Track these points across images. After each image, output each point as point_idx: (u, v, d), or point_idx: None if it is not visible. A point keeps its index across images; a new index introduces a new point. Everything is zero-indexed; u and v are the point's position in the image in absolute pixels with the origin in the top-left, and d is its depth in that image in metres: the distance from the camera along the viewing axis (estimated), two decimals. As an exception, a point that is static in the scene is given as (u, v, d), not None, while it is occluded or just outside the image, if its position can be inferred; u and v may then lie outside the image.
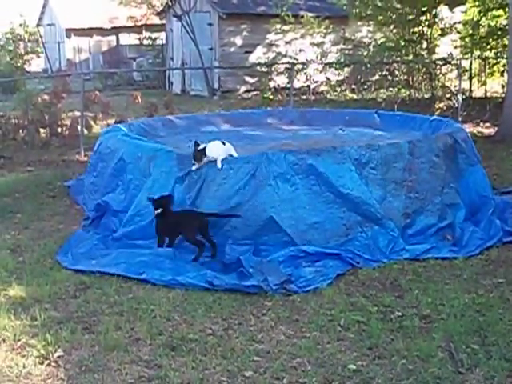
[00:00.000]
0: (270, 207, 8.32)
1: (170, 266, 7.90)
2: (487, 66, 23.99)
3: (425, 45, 24.49)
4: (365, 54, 26.55)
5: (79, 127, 16.86)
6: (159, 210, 8.49)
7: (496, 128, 17.79)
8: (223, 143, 8.83)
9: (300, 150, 8.84)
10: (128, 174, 9.46)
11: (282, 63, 27.36)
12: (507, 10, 19.41)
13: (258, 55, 29.17)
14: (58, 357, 5.89)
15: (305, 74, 26.78)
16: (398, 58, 24.28)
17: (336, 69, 27.21)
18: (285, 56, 28.32)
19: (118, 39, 44.36)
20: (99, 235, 9.13)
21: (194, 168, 8.69)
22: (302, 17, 28.03)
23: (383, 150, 8.86)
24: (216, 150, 8.69)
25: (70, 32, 43.76)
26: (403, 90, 24.05)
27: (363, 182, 8.59)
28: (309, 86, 26.66)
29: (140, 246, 8.65)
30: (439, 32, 24.68)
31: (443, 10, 24.55)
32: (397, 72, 24.46)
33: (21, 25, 41.33)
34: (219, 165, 8.57)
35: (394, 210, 8.70)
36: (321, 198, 8.46)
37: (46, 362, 5.81)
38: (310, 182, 8.48)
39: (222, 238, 8.38)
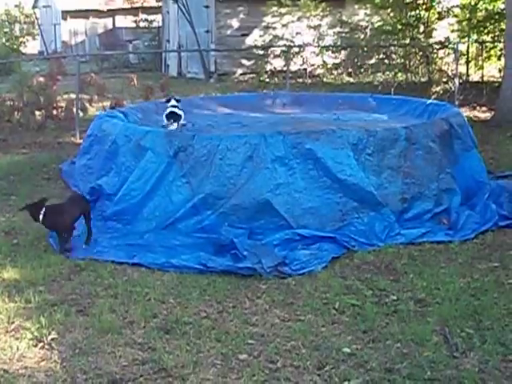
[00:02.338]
0: (267, 191, 8.30)
1: (163, 249, 7.89)
2: (484, 50, 23.94)
3: (422, 28, 24.44)
4: (362, 37, 26.49)
5: (75, 109, 16.80)
6: (42, 213, 8.10)
7: (492, 112, 17.77)
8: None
9: (299, 132, 8.79)
10: (120, 157, 9.43)
11: (279, 46, 27.32)
12: (505, -7, 19.35)
13: (255, 38, 29.10)
14: (52, 339, 5.88)
15: (301, 57, 26.72)
16: (395, 42, 24.25)
17: (333, 52, 27.14)
18: (281, 39, 28.26)
19: (114, 21, 44.34)
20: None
21: (172, 128, 8.64)
22: (299, -1, 27.97)
23: (380, 135, 8.83)
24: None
25: (66, 14, 43.72)
26: (400, 74, 24.00)
27: (361, 168, 8.57)
28: (305, 69, 26.60)
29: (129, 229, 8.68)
30: (436, 16, 24.63)
31: (441, -7, 24.50)
32: (394, 56, 24.41)
33: (16, 6, 41.25)
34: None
35: (390, 195, 8.68)
36: (318, 183, 8.45)
37: (40, 345, 5.80)
38: (307, 167, 8.46)
39: (218, 219, 8.37)
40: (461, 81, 20.83)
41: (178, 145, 8.74)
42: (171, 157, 8.74)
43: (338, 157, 8.47)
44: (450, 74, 21.84)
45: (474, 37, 24.58)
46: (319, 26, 28.23)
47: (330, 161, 8.43)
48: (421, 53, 23.82)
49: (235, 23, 29.30)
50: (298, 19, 28.79)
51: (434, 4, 24.39)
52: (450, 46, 22.47)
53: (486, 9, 24.74)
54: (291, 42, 27.57)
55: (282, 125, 10.57)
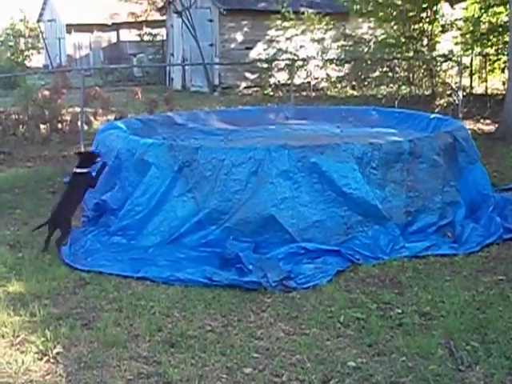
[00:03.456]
0: (271, 205, 8.31)
1: (168, 263, 7.90)
2: (488, 63, 24.00)
3: (425, 41, 24.50)
4: (365, 50, 26.54)
5: (79, 123, 16.83)
6: None
7: (496, 125, 17.77)
8: None
9: (304, 146, 8.80)
10: (124, 172, 9.43)
11: (283, 59, 27.39)
12: (508, 6, 19.40)
13: (259, 51, 29.20)
14: (57, 353, 5.88)
15: (305, 70, 26.75)
16: (399, 55, 24.30)
17: (336, 65, 27.18)
18: (285, 52, 28.36)
19: (118, 35, 44.44)
20: (96, 234, 9.08)
21: None
22: (303, 13, 28.03)
23: (384, 148, 8.84)
24: None
25: (70, 28, 43.86)
26: (404, 87, 24.05)
27: (365, 181, 8.57)
28: (309, 83, 26.65)
29: (133, 244, 8.70)
30: (440, 29, 24.70)
31: (444, 6, 24.56)
32: (397, 69, 24.47)
33: (21, 20, 41.40)
34: None
35: (395, 208, 8.68)
36: (322, 197, 8.43)
37: (45, 358, 5.80)
38: (312, 180, 8.45)
39: (223, 234, 8.37)
40: (464, 93, 20.86)
41: (183, 159, 8.75)
42: (176, 171, 8.76)
43: (342, 170, 8.46)
44: (453, 86, 21.87)
45: (478, 49, 24.62)
46: (323, 39, 28.34)
47: (335, 174, 8.43)
48: (424, 66, 23.86)
49: (239, 37, 29.40)
50: (302, 33, 28.89)
51: (437, 17, 24.44)
52: (454, 58, 22.49)
53: (490, 21, 24.77)
54: (295, 55, 27.67)
55: (291, 139, 10.58)
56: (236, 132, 12.37)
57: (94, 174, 9.47)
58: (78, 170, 9.33)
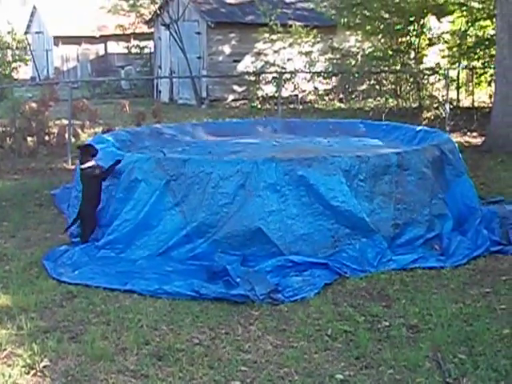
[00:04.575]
0: (259, 218, 8.31)
1: (155, 276, 7.89)
2: (474, 76, 24.10)
3: (412, 55, 24.62)
4: (353, 63, 26.63)
5: (67, 135, 16.83)
6: None
7: (483, 138, 17.85)
8: None
9: (291, 159, 8.81)
10: (111, 187, 9.39)
11: (270, 72, 27.43)
12: (494, 20, 19.51)
13: (246, 64, 29.24)
14: (44, 366, 5.86)
15: (293, 83, 26.78)
16: (386, 68, 24.41)
17: (324, 78, 27.25)
18: (273, 65, 28.43)
19: (106, 47, 44.43)
20: (84, 247, 9.00)
21: None
22: (291, 26, 28.09)
23: (372, 161, 8.86)
24: None
25: (58, 40, 43.82)
26: (391, 100, 24.14)
27: (353, 194, 8.58)
28: (297, 95, 26.68)
29: (121, 257, 8.67)
30: (427, 42, 24.83)
31: (431, 19, 24.67)
32: (384, 82, 24.55)
33: (9, 32, 41.23)
34: None
35: (382, 221, 8.70)
36: (310, 210, 8.45)
37: (32, 372, 5.77)
38: (299, 193, 8.47)
39: (211, 247, 8.38)
40: (451, 106, 20.97)
41: (170, 173, 8.75)
42: (163, 185, 8.75)
43: (330, 183, 8.48)
44: (440, 99, 21.99)
45: (465, 63, 24.73)
46: (310, 52, 28.40)
47: (323, 187, 8.45)
48: (411, 79, 23.95)
49: (227, 49, 29.44)
50: (290, 45, 28.96)
51: (424, 30, 24.56)
52: (441, 71, 22.61)
53: (476, 35, 24.93)
54: (283, 68, 27.74)
55: (278, 151, 10.57)
56: (222, 144, 12.37)
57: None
58: (83, 166, 9.31)
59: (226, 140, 12.62)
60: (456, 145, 10.53)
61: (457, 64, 24.41)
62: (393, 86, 24.51)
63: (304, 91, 27.35)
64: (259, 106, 26.14)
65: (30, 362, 5.91)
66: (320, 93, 27.56)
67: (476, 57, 24.33)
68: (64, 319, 6.91)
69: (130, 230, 8.79)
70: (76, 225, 9.43)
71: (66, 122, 17.65)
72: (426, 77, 23.67)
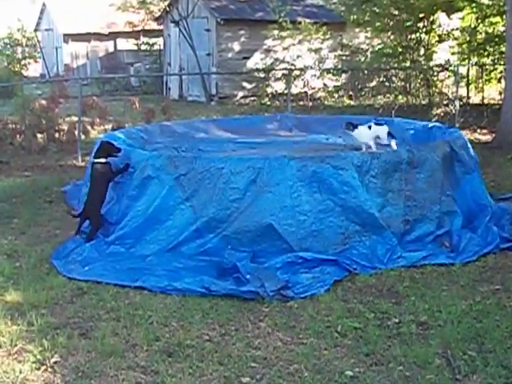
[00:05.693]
0: (270, 214, 8.31)
1: (165, 272, 7.90)
2: (484, 73, 24.01)
3: (422, 51, 24.51)
4: (362, 60, 26.58)
5: (76, 132, 16.84)
6: None
7: (493, 135, 17.80)
8: (369, 127, 10.03)
9: (303, 155, 8.80)
10: (121, 184, 9.42)
11: (280, 69, 27.38)
12: (504, 17, 19.45)
13: (256, 61, 29.17)
14: (55, 362, 5.89)
15: (302, 80, 26.75)
16: (396, 65, 24.31)
17: (333, 75, 27.19)
18: (282, 62, 28.37)
19: (115, 44, 44.44)
20: (94, 243, 8.98)
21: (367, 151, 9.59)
22: (300, 23, 28.00)
23: (384, 157, 8.85)
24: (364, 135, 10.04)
25: (67, 37, 43.84)
26: (400, 97, 24.08)
27: (365, 190, 8.58)
28: (306, 92, 26.64)
29: (131, 253, 8.69)
30: (436, 38, 24.69)
31: (441, 16, 24.58)
32: (394, 78, 24.50)
33: (18, 30, 41.39)
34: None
35: (392, 217, 8.69)
36: (321, 206, 8.45)
37: (43, 368, 5.81)
38: (311, 190, 8.46)
39: (221, 243, 8.38)
40: (461, 103, 20.91)
41: (181, 168, 8.75)
42: (174, 180, 8.75)
43: (342, 179, 8.48)
44: (450, 96, 21.93)
45: (474, 59, 24.64)
46: (320, 49, 28.31)
47: (335, 183, 8.45)
48: (421, 75, 23.88)
49: (236, 46, 29.40)
50: (299, 42, 28.88)
51: (434, 27, 24.47)
52: (451, 68, 22.55)
53: (486, 32, 24.81)
54: (292, 65, 27.65)
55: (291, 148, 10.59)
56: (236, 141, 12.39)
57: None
58: (96, 160, 9.31)
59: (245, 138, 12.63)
60: (467, 141, 10.47)
61: (466, 61, 24.34)
62: (402, 83, 24.45)
63: (313, 88, 27.30)
64: (269, 103, 26.12)
65: (41, 358, 5.94)
66: (329, 90, 27.50)
67: (486, 53, 24.20)
68: (74, 315, 6.93)
69: (140, 225, 8.80)
70: (86, 224, 9.41)
71: (75, 119, 17.69)
72: (435, 74, 23.60)
